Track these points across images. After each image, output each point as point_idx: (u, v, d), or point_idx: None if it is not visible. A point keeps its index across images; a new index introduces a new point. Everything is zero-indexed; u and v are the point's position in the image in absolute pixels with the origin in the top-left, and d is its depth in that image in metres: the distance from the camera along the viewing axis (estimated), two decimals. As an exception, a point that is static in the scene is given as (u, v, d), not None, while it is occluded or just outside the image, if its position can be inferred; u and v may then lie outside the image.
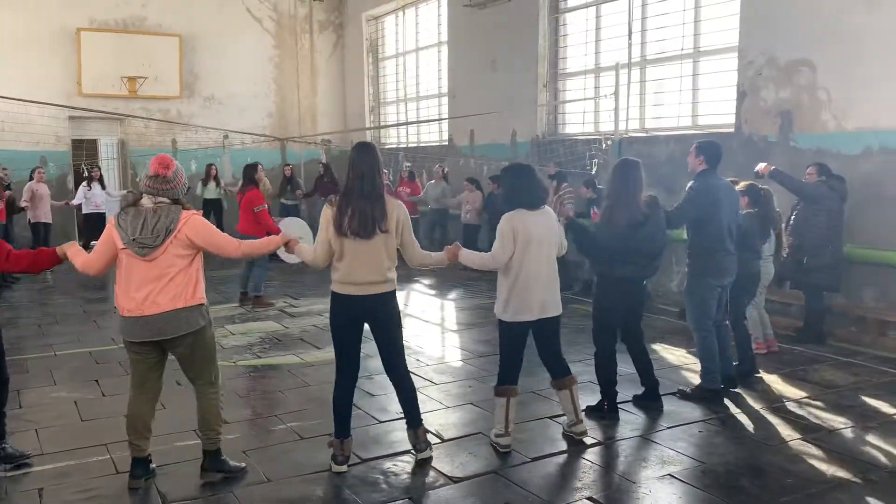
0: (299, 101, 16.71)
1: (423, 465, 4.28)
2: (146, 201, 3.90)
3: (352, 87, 17.02)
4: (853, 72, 7.29)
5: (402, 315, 4.35)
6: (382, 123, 16.42)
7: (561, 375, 4.66)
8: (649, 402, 5.24)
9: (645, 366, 5.28)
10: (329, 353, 6.72)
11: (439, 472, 4.20)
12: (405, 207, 4.23)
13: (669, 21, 9.47)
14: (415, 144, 15.05)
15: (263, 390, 5.79)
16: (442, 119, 13.93)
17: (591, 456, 4.45)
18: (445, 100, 13.93)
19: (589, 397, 5.21)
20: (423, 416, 4.43)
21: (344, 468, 4.20)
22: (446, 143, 13.66)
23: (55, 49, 14.08)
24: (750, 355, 6.03)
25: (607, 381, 5.07)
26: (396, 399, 4.97)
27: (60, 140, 14.32)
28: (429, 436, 4.54)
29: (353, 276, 4.05)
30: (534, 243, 4.36)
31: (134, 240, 3.79)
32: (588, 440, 4.64)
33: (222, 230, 4.53)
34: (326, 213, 4.07)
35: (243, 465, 4.22)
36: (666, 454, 4.44)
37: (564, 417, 4.76)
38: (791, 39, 7.82)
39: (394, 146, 15.56)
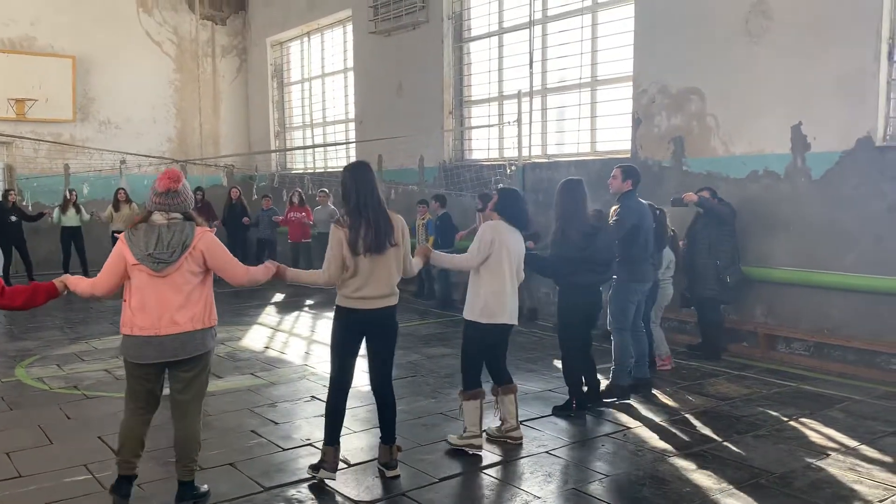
0: (201, 126, 16.31)
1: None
2: (158, 217, 3.77)
3: (256, 112, 16.76)
4: (739, 99, 7.74)
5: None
6: (288, 147, 16.22)
7: (507, 382, 4.95)
8: (593, 403, 5.64)
9: (590, 368, 5.70)
10: (229, 382, 6.60)
11: (346, 497, 4.11)
12: (405, 221, 4.34)
13: (568, 51, 9.80)
14: (322, 169, 14.93)
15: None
16: (349, 143, 13.89)
17: (497, 473, 4.47)
18: (353, 125, 13.91)
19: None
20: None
21: (334, 476, 4.22)
22: (353, 169, 13.57)
23: (-66, 68, 13.26)
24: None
25: (575, 382, 5.54)
26: (300, 426, 4.92)
27: (-61, 164, 13.45)
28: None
29: (364, 291, 4.11)
30: (509, 254, 4.73)
31: (149, 255, 3.66)
32: (493, 458, 4.67)
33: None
34: (337, 233, 4.08)
35: (206, 486, 4.10)
36: (570, 468, 4.52)
37: (500, 423, 4.97)
38: (681, 69, 8.23)
39: (300, 171, 15.38)
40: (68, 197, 12.77)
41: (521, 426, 5.00)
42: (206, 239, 3.81)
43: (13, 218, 12.18)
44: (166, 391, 3.97)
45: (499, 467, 4.55)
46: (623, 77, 9.08)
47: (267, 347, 8.10)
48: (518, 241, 4.86)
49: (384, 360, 4.36)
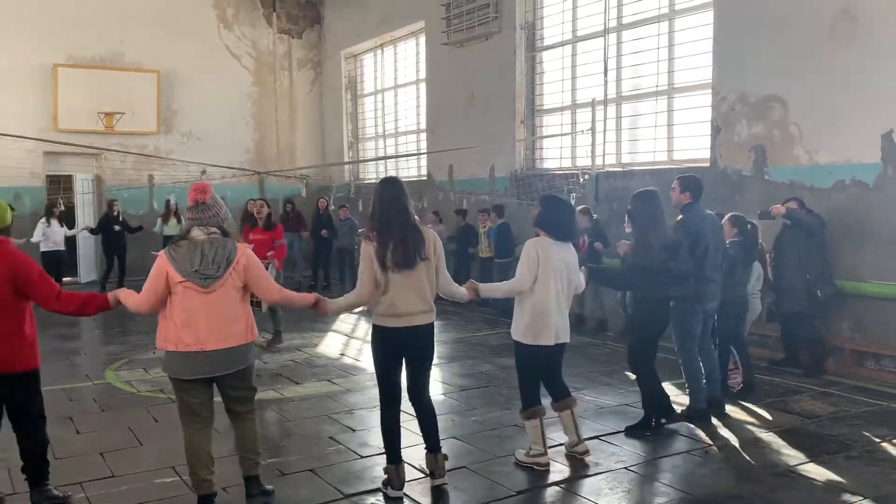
0: (278, 138, 16.75)
1: (439, 494, 4.27)
2: (197, 233, 3.86)
3: (330, 124, 17.11)
4: (824, 107, 7.47)
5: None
6: (361, 159, 16.48)
7: (563, 397, 4.84)
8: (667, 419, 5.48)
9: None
10: (307, 388, 6.73)
11: (422, 507, 4.14)
12: (437, 236, 4.31)
13: (644, 59, 9.67)
14: (393, 180, 15.06)
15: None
16: (420, 154, 14.02)
17: (574, 488, 4.41)
18: (424, 135, 14.05)
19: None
20: (407, 450, 4.39)
21: (401, 493, 4.20)
22: (425, 178, 13.72)
23: (31, 85, 14.01)
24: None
25: (653, 400, 5.37)
26: (377, 434, 4.93)
27: (35, 176, 14.19)
28: (413, 471, 4.50)
29: (398, 307, 4.08)
30: (553, 271, 4.58)
31: (195, 271, 3.74)
32: (570, 473, 4.61)
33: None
34: (367, 249, 4.09)
35: (271, 486, 4.22)
36: (650, 486, 4.43)
37: (565, 439, 4.89)
38: (762, 76, 8.01)
39: (373, 181, 15.60)
40: (169, 207, 13.30)
41: (584, 440, 4.87)
42: (247, 254, 3.90)
43: (117, 227, 12.82)
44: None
45: (576, 482, 4.50)
46: (701, 84, 8.90)
47: (342, 354, 8.24)
48: (566, 253, 4.68)
49: (421, 375, 4.31)
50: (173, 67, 15.28)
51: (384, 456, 4.66)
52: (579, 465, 4.73)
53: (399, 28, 14.44)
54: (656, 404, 5.41)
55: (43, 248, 11.80)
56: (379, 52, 15.59)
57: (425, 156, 13.70)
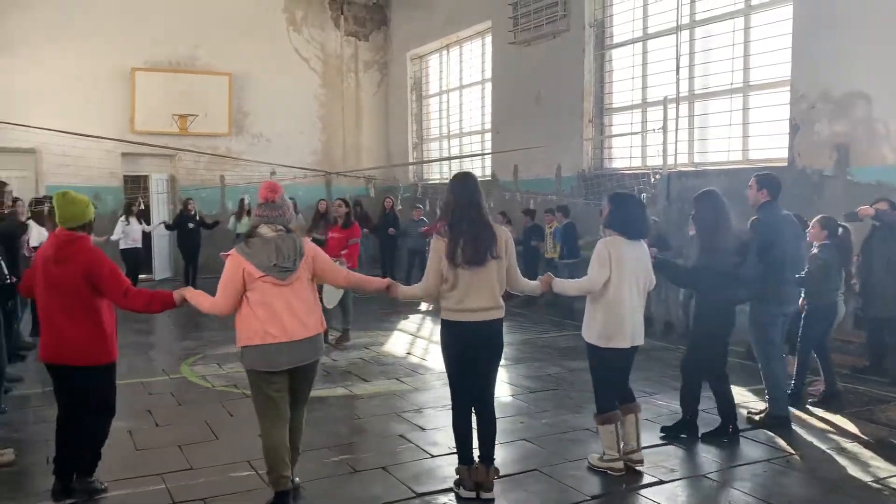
0: (344, 139, 16.96)
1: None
2: (265, 230, 3.96)
3: (395, 125, 17.23)
4: (912, 104, 7.13)
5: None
6: (425, 159, 16.54)
7: (628, 401, 4.70)
8: (724, 434, 5.22)
9: (726, 393, 5.29)
10: (376, 386, 6.76)
11: (495, 508, 4.11)
12: (509, 234, 4.27)
13: (718, 56, 9.42)
14: (458, 180, 15.07)
15: (314, 423, 5.70)
16: (484, 154, 13.99)
17: (653, 495, 4.30)
18: (489, 135, 14.01)
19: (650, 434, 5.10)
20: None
21: (473, 494, 4.17)
22: (489, 179, 13.66)
23: (110, 88, 14.53)
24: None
25: (690, 404, 5.21)
26: (448, 433, 4.91)
27: (114, 176, 14.72)
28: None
29: (466, 303, 4.07)
30: (626, 271, 4.47)
31: (274, 265, 3.85)
32: (647, 478, 4.51)
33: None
34: (438, 245, 4.10)
35: (297, 479, 4.28)
36: (731, 494, 4.29)
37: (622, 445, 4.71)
38: (844, 73, 7.70)
39: (437, 181, 15.64)
40: (243, 205, 13.60)
41: (642, 450, 4.68)
42: (312, 246, 4.06)
43: (191, 225, 13.21)
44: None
45: (653, 489, 4.39)
46: (779, 81, 8.62)
47: (408, 353, 8.27)
48: (639, 252, 4.57)
49: (486, 374, 4.24)
50: (244, 70, 15.63)
51: (455, 456, 4.65)
52: (656, 472, 4.61)
53: (465, 28, 14.44)
54: (691, 412, 5.21)
55: (122, 246, 12.24)
56: (444, 52, 15.62)
57: (490, 156, 13.66)
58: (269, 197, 3.97)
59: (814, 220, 6.12)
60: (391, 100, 17.35)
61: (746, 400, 6.22)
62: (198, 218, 13.32)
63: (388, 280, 4.36)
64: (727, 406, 5.23)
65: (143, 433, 5.39)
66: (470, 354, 4.15)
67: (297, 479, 4.28)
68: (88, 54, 14.30)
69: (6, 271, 5.70)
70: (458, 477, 4.28)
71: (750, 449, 5.05)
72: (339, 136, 16.92)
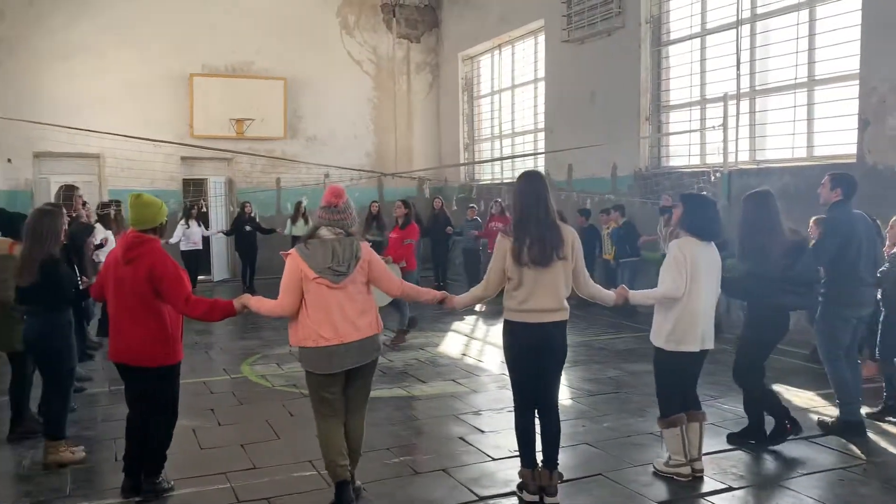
0: (396, 140, 17.03)
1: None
2: (325, 233, 3.98)
3: (447, 125, 17.24)
4: None
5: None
6: (477, 160, 16.50)
7: (694, 408, 4.58)
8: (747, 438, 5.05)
9: (771, 398, 5.12)
10: (433, 388, 6.74)
11: (561, 513, 4.04)
12: (577, 234, 4.19)
13: (781, 50, 9.15)
14: (510, 180, 15.02)
15: (373, 423, 5.71)
16: (538, 154, 13.87)
17: (722, 501, 4.18)
18: (541, 135, 13.90)
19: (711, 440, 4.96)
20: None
21: (536, 498, 4.12)
22: (543, 179, 13.51)
23: (170, 93, 14.88)
24: None
25: (757, 412, 5.02)
26: (507, 436, 4.86)
27: (174, 179, 15.06)
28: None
29: (530, 304, 4.01)
30: (701, 274, 4.37)
31: (329, 267, 3.87)
32: (716, 484, 4.38)
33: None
34: (503, 244, 4.06)
35: (359, 482, 4.26)
36: (803, 503, 4.13)
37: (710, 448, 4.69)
38: (918, 64, 7.39)
39: (488, 182, 15.59)
40: (300, 209, 13.77)
41: (702, 458, 4.55)
42: (369, 251, 4.02)
43: (248, 227, 13.44)
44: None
45: (724, 495, 4.26)
46: (847, 75, 8.32)
47: (464, 354, 8.23)
48: (712, 254, 4.46)
49: (550, 377, 4.17)
50: (299, 74, 15.83)
51: (517, 459, 4.60)
52: (724, 478, 4.48)
53: (517, 28, 14.35)
54: (757, 420, 5.02)
55: (183, 248, 12.52)
56: (496, 52, 15.56)
57: (543, 156, 13.54)
58: (333, 202, 3.98)
59: (893, 219, 5.87)
60: (443, 101, 17.36)
61: (816, 405, 6.02)
62: (256, 220, 13.52)
63: (443, 293, 4.31)
64: (756, 411, 5.03)
65: (207, 432, 5.48)
66: (532, 356, 4.09)
67: (359, 482, 4.27)
68: (149, 61, 14.67)
69: (78, 273, 5.86)
70: (521, 480, 4.23)
71: (823, 456, 4.87)
72: (391, 138, 17.00)
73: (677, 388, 4.52)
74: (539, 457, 4.19)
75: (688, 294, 4.34)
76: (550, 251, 3.96)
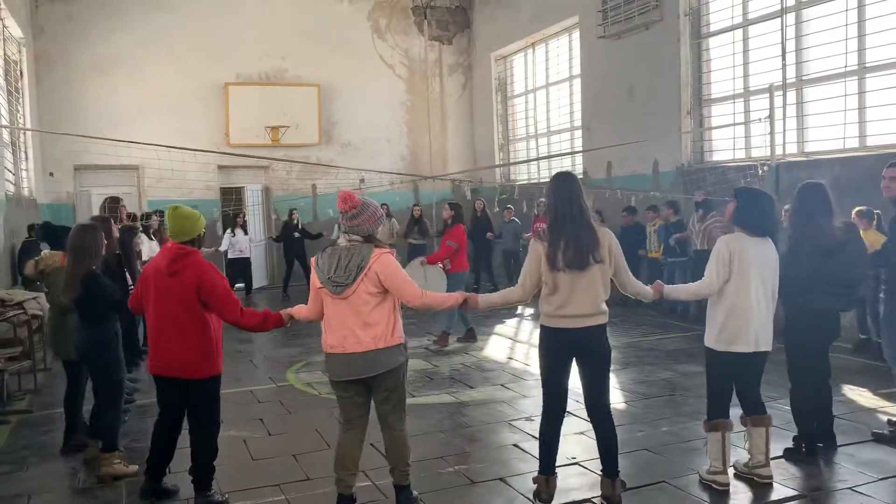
0: (430, 144, 16.96)
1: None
2: (342, 241, 3.93)
3: (481, 127, 17.12)
4: None
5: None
6: (512, 160, 16.35)
7: (758, 413, 4.40)
8: (825, 444, 4.77)
9: (824, 403, 4.83)
10: (482, 393, 6.63)
11: (623, 523, 3.90)
12: (614, 235, 4.07)
13: (829, 38, 8.87)
14: (546, 179, 14.83)
15: (423, 431, 5.64)
16: (574, 152, 13.68)
17: (796, 510, 4.01)
18: (578, 133, 13.71)
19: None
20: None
21: None
22: (581, 177, 13.32)
23: (205, 103, 14.99)
24: None
25: (805, 421, 4.70)
26: (565, 443, 4.72)
27: (210, 189, 15.16)
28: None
29: (567, 309, 3.91)
30: (752, 270, 4.20)
31: (329, 279, 3.82)
32: (786, 491, 4.20)
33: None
34: (537, 248, 3.98)
35: (416, 492, 4.18)
36: (885, 510, 3.94)
37: (747, 457, 4.45)
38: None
39: (524, 181, 15.43)
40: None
41: (770, 464, 4.36)
42: (382, 260, 3.81)
43: (296, 234, 13.56)
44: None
45: (798, 502, 4.08)
46: (900, 61, 8.03)
47: (510, 358, 8.11)
48: (767, 251, 4.26)
49: (597, 383, 4.05)
50: (332, 80, 15.84)
51: (575, 467, 4.48)
52: (801, 485, 4.30)
53: (551, 25, 14.19)
54: (806, 429, 4.74)
55: (230, 256, 12.75)
56: (529, 51, 15.41)
57: (580, 154, 13.35)
58: (342, 207, 3.90)
59: None
60: (476, 102, 17.25)
61: (880, 405, 5.79)
62: (300, 227, 13.62)
63: (464, 294, 4.22)
64: (804, 420, 4.75)
65: (257, 442, 5.43)
66: (567, 363, 4.02)
67: (416, 492, 4.19)
68: (184, 72, 14.80)
69: (130, 280, 5.87)
70: (535, 487, 4.11)
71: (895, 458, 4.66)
72: (425, 141, 16.94)
73: (726, 391, 4.37)
74: (598, 466, 4.08)
75: (735, 291, 4.18)
76: (586, 254, 3.85)
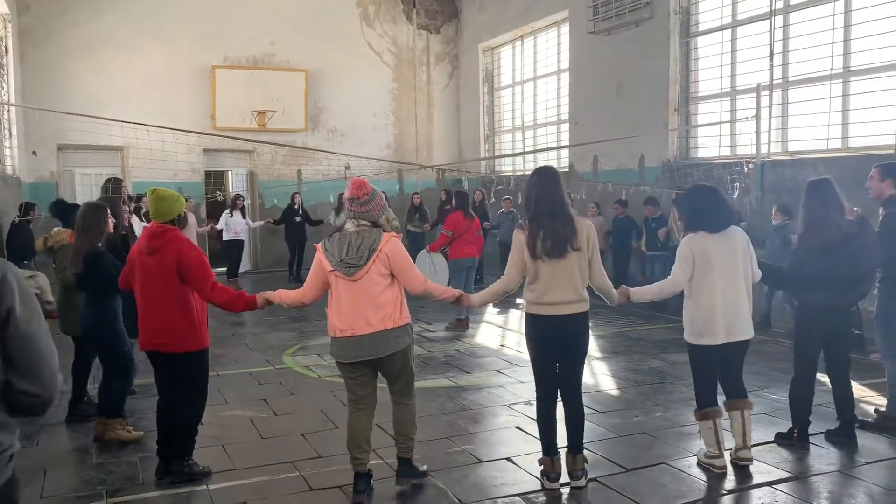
0: (416, 132, 17.04)
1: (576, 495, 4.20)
2: (349, 225, 4.06)
3: (467, 117, 17.23)
4: None
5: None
6: (497, 152, 16.50)
7: (737, 397, 4.60)
8: (842, 438, 4.91)
9: (844, 399, 4.95)
10: (479, 378, 6.79)
11: (633, 500, 4.08)
12: (594, 226, 4.22)
13: (815, 41, 9.13)
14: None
15: (428, 413, 5.76)
16: (561, 147, 13.87)
17: (789, 489, 4.23)
18: (565, 126, 13.88)
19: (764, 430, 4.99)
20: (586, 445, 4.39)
21: (557, 485, 4.21)
22: (566, 170, 13.52)
23: (191, 85, 14.89)
24: None
25: (800, 408, 4.88)
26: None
27: (196, 171, 15.09)
28: (612, 465, 4.46)
29: (548, 296, 4.09)
30: (715, 266, 4.36)
31: (341, 261, 3.95)
32: (780, 473, 4.42)
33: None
34: (518, 237, 4.15)
35: (425, 467, 4.37)
36: (873, 491, 4.17)
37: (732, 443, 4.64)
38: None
39: (509, 173, 15.58)
40: (342, 200, 13.80)
41: (751, 448, 4.55)
42: (392, 243, 3.99)
43: (297, 218, 13.62)
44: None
45: (789, 484, 4.30)
46: (884, 66, 8.30)
47: (502, 346, 8.27)
48: (732, 242, 4.38)
49: (571, 369, 4.26)
50: (320, 66, 15.82)
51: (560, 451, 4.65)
52: (789, 467, 4.53)
53: (540, 19, 14.32)
54: (799, 418, 4.86)
55: (225, 237, 12.82)
56: (518, 43, 15.53)
57: (566, 148, 13.54)
58: (356, 194, 4.02)
59: None
60: (462, 92, 17.35)
61: (863, 395, 6.04)
62: (301, 212, 13.65)
63: (457, 291, 4.41)
64: (797, 409, 4.90)
65: (265, 422, 5.54)
66: (553, 347, 4.19)
67: (425, 466, 4.39)
68: (172, 53, 14.68)
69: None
70: (542, 468, 4.30)
71: (882, 446, 4.89)
72: (411, 129, 17.01)
73: (708, 381, 4.54)
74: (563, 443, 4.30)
75: (699, 289, 4.36)
76: (564, 242, 4.03)
